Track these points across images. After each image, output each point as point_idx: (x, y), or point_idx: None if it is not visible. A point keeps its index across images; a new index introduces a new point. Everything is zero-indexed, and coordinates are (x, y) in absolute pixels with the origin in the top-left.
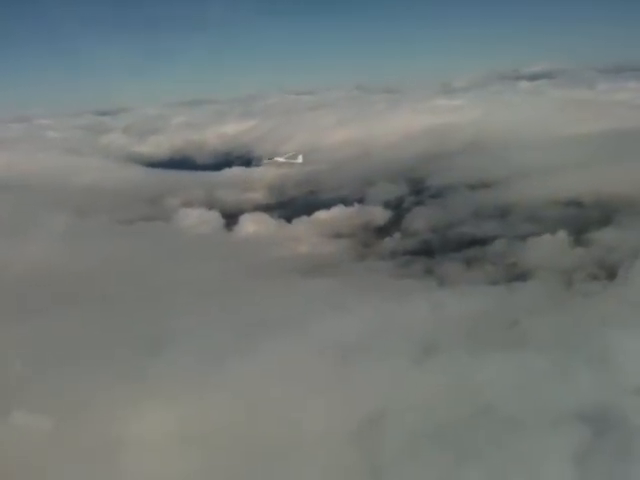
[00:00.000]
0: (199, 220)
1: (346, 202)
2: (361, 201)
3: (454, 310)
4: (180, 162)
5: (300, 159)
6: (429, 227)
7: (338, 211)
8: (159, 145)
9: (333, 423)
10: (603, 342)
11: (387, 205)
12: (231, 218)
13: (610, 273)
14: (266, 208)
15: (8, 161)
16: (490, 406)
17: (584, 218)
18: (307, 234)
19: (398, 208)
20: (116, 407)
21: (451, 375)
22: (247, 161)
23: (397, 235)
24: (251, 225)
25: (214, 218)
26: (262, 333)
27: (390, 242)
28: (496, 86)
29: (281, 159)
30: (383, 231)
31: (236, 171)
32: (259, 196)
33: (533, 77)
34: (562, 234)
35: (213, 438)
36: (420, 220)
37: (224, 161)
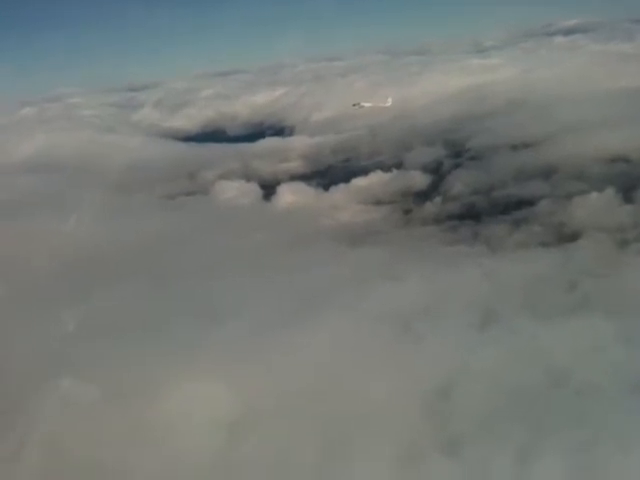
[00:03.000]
0: (238, 192)
1: (384, 168)
2: (399, 166)
3: (508, 275)
4: (212, 134)
5: (390, 102)
6: (471, 190)
7: (376, 177)
8: (190, 118)
9: (403, 394)
10: None
11: (426, 169)
12: (269, 189)
13: None
14: (303, 177)
15: (45, 142)
16: (564, 374)
17: (632, 174)
18: (346, 202)
19: (437, 172)
20: (177, 380)
21: (517, 342)
22: (279, 130)
23: (438, 200)
24: (289, 195)
25: (252, 189)
26: (318, 304)
27: (432, 207)
28: (529, 43)
29: (367, 104)
30: (424, 196)
31: (270, 141)
32: (295, 165)
33: (567, 32)
34: (610, 192)
35: (279, 411)
36: (461, 183)
37: (256, 131)
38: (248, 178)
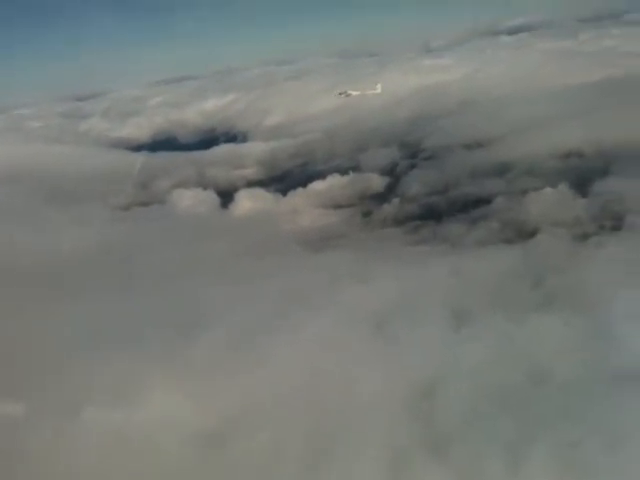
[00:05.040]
0: (194, 201)
1: (341, 171)
2: (356, 169)
3: (474, 273)
4: (163, 143)
5: (379, 88)
6: (428, 190)
7: (334, 181)
8: (140, 127)
9: (386, 395)
10: (631, 296)
11: (382, 171)
12: (226, 196)
13: (616, 223)
14: (260, 183)
15: None
16: (543, 369)
17: (586, 169)
18: (305, 206)
19: (394, 173)
20: (149, 391)
21: (493, 340)
22: (233, 136)
23: (396, 201)
24: (247, 201)
25: (209, 197)
26: (290, 310)
27: (390, 208)
28: (477, 42)
29: (355, 92)
30: (382, 198)
31: (224, 148)
32: (251, 172)
33: (513, 31)
34: (564, 186)
35: (258, 417)
36: (418, 184)
37: (209, 138)
38: (204, 186)
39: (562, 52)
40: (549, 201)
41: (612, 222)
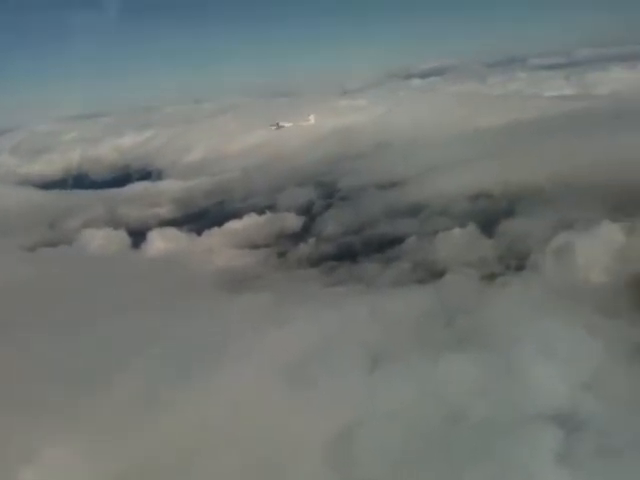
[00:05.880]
0: (104, 240)
1: (257, 210)
2: (272, 208)
3: (390, 313)
4: (76, 180)
5: (312, 120)
6: (343, 230)
7: (250, 220)
8: (51, 164)
9: (305, 442)
10: (539, 333)
11: (299, 210)
12: (138, 236)
13: (520, 263)
14: (174, 222)
15: None
16: (460, 409)
17: (493, 210)
18: (221, 246)
19: (310, 213)
20: (47, 448)
21: (410, 381)
22: (147, 174)
23: (312, 241)
24: (160, 241)
25: (120, 237)
26: (207, 355)
27: (307, 248)
28: (390, 85)
29: (287, 124)
30: (298, 237)
31: (138, 186)
32: (165, 210)
33: (424, 75)
34: (472, 227)
35: (165, 472)
36: (333, 223)
37: (123, 176)
38: (115, 225)
39: (472, 95)
40: (458, 241)
41: (517, 262)
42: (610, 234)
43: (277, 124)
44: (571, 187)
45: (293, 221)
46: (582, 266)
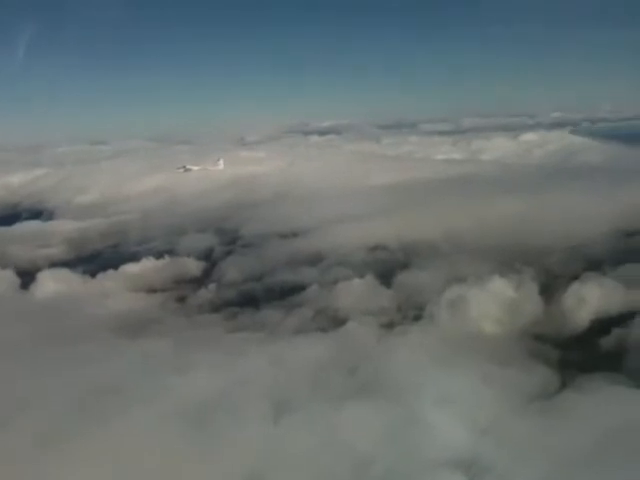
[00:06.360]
0: None
1: (155, 254)
2: (171, 252)
3: (292, 361)
4: None
5: (222, 164)
6: (245, 277)
7: (148, 264)
8: None
9: None
10: (437, 382)
11: (199, 256)
12: (27, 276)
13: (417, 313)
14: (67, 264)
15: None
16: (366, 459)
17: (389, 261)
18: (116, 289)
19: (210, 259)
20: None
21: (314, 430)
22: (37, 213)
23: (213, 286)
24: (51, 282)
25: (8, 277)
26: (101, 404)
27: (207, 294)
28: (289, 140)
29: (196, 167)
30: (198, 283)
31: (28, 225)
32: (57, 251)
33: (322, 132)
34: (370, 277)
35: None
36: (234, 270)
37: (11, 214)
38: (3, 265)
39: (367, 154)
40: (357, 290)
41: (414, 312)
42: (500, 288)
43: (184, 167)
44: (462, 244)
45: (193, 266)
46: (475, 317)
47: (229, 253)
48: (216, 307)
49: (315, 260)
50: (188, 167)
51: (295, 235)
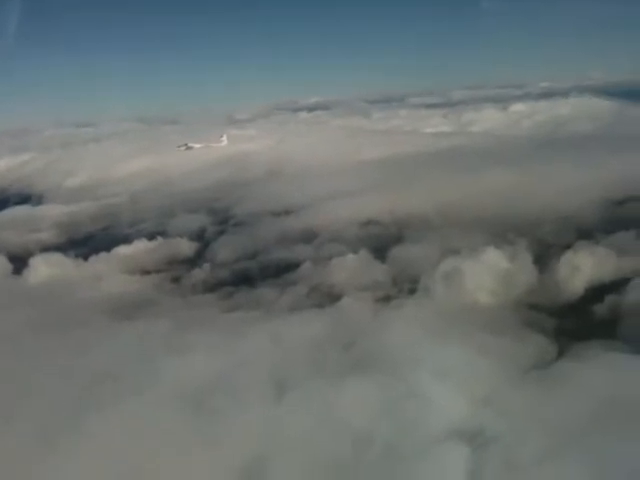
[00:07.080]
0: None
1: (148, 235)
2: (163, 234)
3: (289, 339)
4: None
5: (225, 141)
6: (238, 256)
7: (140, 245)
8: None
9: (208, 475)
10: (434, 354)
11: (191, 236)
12: (19, 262)
13: (412, 286)
14: (58, 248)
15: None
16: (367, 435)
17: (382, 236)
18: (110, 272)
19: (202, 239)
20: None
21: (314, 408)
22: (26, 198)
23: (207, 266)
24: (44, 267)
25: (0, 263)
26: (100, 388)
27: (201, 274)
28: (278, 117)
29: (198, 145)
30: (191, 263)
31: (17, 210)
32: (49, 235)
33: (310, 108)
34: (364, 252)
35: None
36: (228, 249)
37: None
38: None
39: (357, 129)
40: (352, 266)
41: (409, 285)
42: (494, 259)
43: (186, 145)
44: (454, 216)
45: (186, 246)
46: (470, 289)
47: (222, 233)
48: (211, 287)
49: (308, 237)
50: (190, 145)
51: (288, 212)
